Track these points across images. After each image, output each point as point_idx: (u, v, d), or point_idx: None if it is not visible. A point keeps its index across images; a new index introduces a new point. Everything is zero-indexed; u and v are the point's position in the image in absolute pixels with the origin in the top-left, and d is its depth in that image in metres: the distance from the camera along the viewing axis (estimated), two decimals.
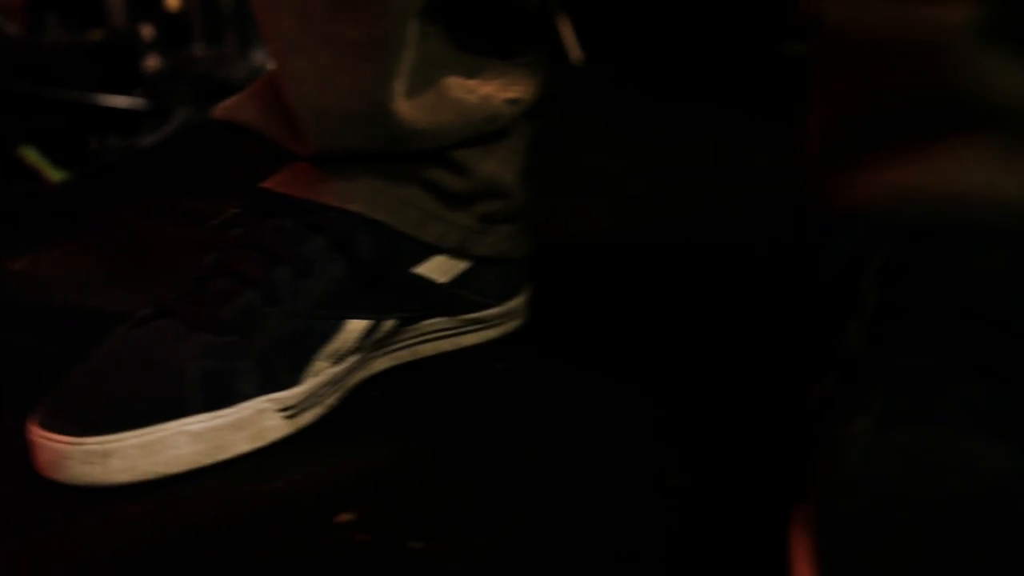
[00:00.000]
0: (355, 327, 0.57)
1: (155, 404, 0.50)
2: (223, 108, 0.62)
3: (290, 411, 0.54)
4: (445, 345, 0.64)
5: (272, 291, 0.54)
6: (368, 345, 0.59)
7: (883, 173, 0.44)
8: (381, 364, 0.61)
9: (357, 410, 0.58)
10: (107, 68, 1.72)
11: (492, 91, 0.59)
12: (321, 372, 0.55)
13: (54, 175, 1.28)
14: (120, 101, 1.64)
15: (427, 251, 0.60)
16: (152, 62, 1.86)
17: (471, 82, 0.59)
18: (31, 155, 1.27)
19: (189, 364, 0.51)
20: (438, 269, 0.61)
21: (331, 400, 0.57)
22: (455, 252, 0.61)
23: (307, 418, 0.55)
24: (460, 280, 0.62)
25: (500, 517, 0.46)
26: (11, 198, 1.19)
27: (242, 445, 0.52)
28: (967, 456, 0.36)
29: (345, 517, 0.46)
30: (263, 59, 1.95)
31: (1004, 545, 0.33)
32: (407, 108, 0.55)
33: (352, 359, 0.58)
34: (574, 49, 2.44)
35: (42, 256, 0.95)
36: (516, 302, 0.67)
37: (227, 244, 0.57)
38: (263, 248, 0.55)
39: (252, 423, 0.52)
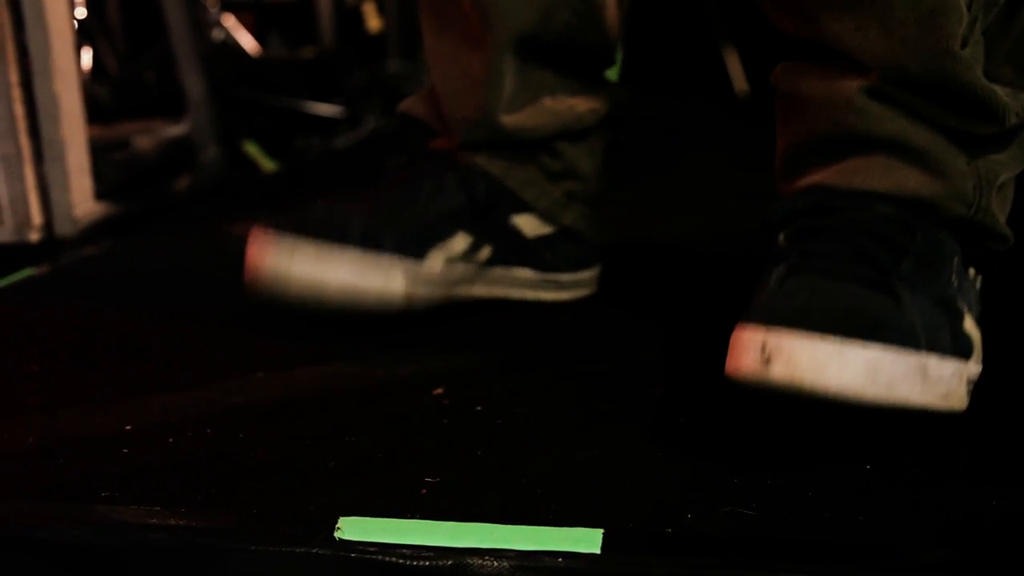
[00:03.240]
0: (462, 240, 0.83)
1: (330, 234, 0.77)
2: (405, 104, 0.91)
3: (410, 279, 0.80)
4: (528, 295, 0.88)
5: (416, 196, 0.82)
6: (471, 262, 0.84)
7: (811, 177, 0.66)
8: (478, 291, 0.86)
9: (458, 331, 0.83)
10: (314, 80, 2.03)
11: (578, 103, 0.85)
12: (437, 263, 0.81)
13: (268, 165, 1.56)
14: (322, 108, 1.93)
15: (524, 207, 0.85)
16: (353, 77, 2.15)
17: (563, 97, 0.85)
18: (252, 148, 1.56)
19: (355, 220, 0.79)
20: (528, 225, 0.86)
21: (438, 294, 0.82)
22: (544, 215, 0.86)
23: (420, 291, 0.81)
24: (543, 240, 0.87)
25: (538, 401, 0.70)
26: (235, 181, 1.49)
27: (376, 284, 0.78)
28: (836, 287, 0.57)
29: (438, 391, 0.71)
30: None
31: (837, 304, 0.54)
32: (508, 119, 0.82)
33: (459, 268, 0.83)
34: (739, 80, 2.61)
35: (253, 224, 1.24)
36: (587, 275, 0.90)
37: (400, 166, 0.86)
38: (418, 171, 0.84)
39: (386, 269, 0.79)
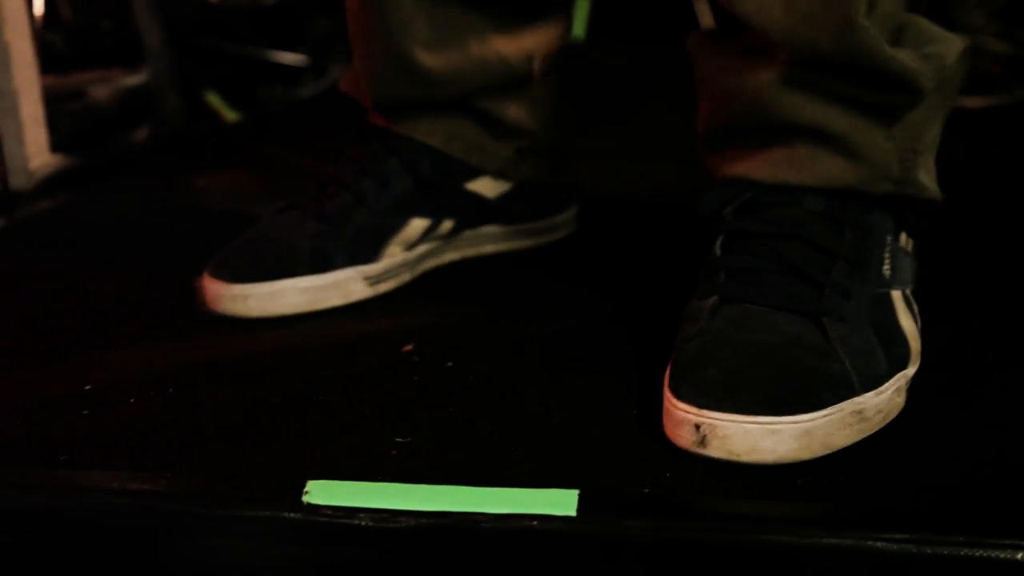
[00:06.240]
0: (418, 224, 0.80)
1: (279, 267, 0.74)
2: (343, 83, 0.85)
3: (370, 280, 0.78)
4: (503, 247, 0.86)
5: (360, 195, 0.78)
6: (433, 239, 0.81)
7: (737, 164, 0.65)
8: (449, 256, 0.84)
9: (427, 286, 0.81)
10: (277, 27, 1.97)
11: (507, 47, 0.79)
12: (395, 255, 0.79)
13: (230, 116, 1.52)
14: (286, 57, 1.88)
15: (475, 173, 0.82)
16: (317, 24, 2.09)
17: (490, 39, 0.79)
18: (213, 99, 1.52)
19: (303, 242, 0.75)
20: (486, 187, 0.83)
21: (405, 277, 0.80)
22: (497, 175, 0.83)
23: (384, 287, 0.79)
24: (506, 196, 0.84)
25: (510, 357, 0.68)
26: (197, 132, 1.45)
27: (335, 300, 0.76)
28: (765, 320, 0.57)
29: (407, 347, 0.69)
30: None
31: (765, 362, 0.54)
32: (427, 59, 0.77)
33: (421, 248, 0.81)
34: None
35: (216, 177, 1.21)
36: (562, 217, 0.88)
37: (339, 160, 0.81)
38: (358, 164, 0.79)
39: (342, 285, 0.76)
